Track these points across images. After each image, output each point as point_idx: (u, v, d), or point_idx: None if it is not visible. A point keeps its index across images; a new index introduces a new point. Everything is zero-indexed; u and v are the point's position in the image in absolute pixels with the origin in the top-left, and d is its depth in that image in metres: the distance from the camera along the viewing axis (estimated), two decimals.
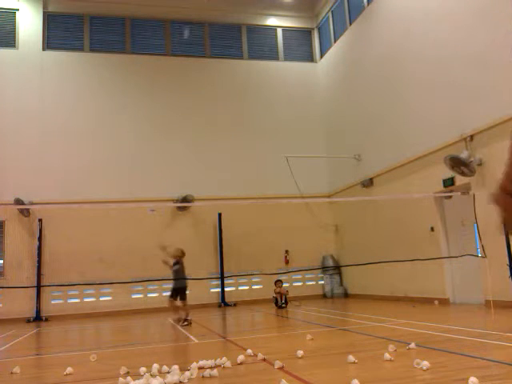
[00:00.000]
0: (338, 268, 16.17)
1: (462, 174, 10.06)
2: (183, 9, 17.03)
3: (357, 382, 3.83)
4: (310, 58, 18.20)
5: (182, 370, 4.78)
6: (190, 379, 4.57)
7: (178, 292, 10.10)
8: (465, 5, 10.44)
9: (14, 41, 15.58)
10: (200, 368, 4.94)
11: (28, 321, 13.48)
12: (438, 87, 11.28)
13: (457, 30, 10.67)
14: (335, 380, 4.26)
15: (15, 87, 15.19)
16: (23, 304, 13.82)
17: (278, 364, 4.85)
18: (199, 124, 16.43)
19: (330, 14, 17.27)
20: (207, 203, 14.56)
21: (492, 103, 9.62)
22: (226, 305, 15.09)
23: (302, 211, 16.11)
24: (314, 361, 5.18)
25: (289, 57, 17.97)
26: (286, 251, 16.22)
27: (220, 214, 15.50)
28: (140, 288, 14.83)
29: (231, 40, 17.63)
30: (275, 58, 17.83)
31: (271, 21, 18.01)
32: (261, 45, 17.86)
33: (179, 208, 15.27)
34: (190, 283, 13.66)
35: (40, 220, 14.27)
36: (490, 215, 9.23)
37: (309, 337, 6.65)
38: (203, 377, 4.63)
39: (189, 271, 13.00)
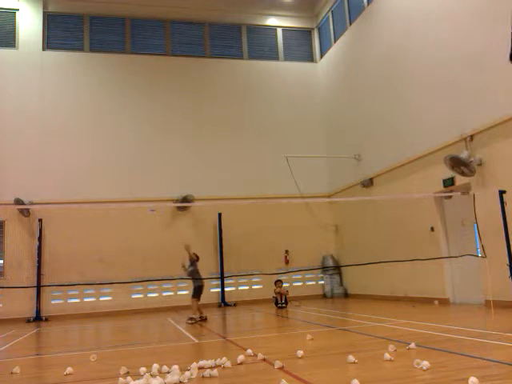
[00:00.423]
0: (337, 268, 16.17)
1: (462, 174, 10.06)
2: (183, 9, 17.04)
3: (357, 382, 3.83)
4: (310, 58, 18.21)
5: (182, 370, 4.78)
6: (190, 379, 4.57)
7: (200, 291, 10.81)
8: (464, 5, 10.44)
9: (14, 41, 15.58)
10: (200, 368, 4.94)
11: (28, 321, 13.49)
12: (437, 87, 11.28)
13: (456, 30, 10.67)
14: (335, 380, 4.26)
15: (15, 87, 15.19)
16: (23, 304, 13.82)
17: (277, 364, 4.85)
18: (199, 124, 16.43)
19: (329, 14, 17.28)
20: (207, 203, 14.57)
21: (492, 103, 9.62)
22: (226, 305, 15.09)
23: (302, 211, 16.12)
24: (314, 361, 5.18)
25: (289, 57, 17.97)
26: (286, 251, 16.22)
27: (220, 214, 15.50)
28: (140, 288, 14.83)
29: (231, 40, 17.63)
30: (275, 57, 17.83)
31: (271, 21, 18.01)
32: (261, 45, 17.86)
33: (179, 208, 15.27)
34: (189, 283, 13.70)
35: (40, 220, 14.27)
36: (490, 215, 9.25)
37: (309, 337, 6.65)
38: (203, 377, 4.63)
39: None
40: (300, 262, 16.04)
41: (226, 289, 15.38)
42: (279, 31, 18.07)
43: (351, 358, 4.85)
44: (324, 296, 16.27)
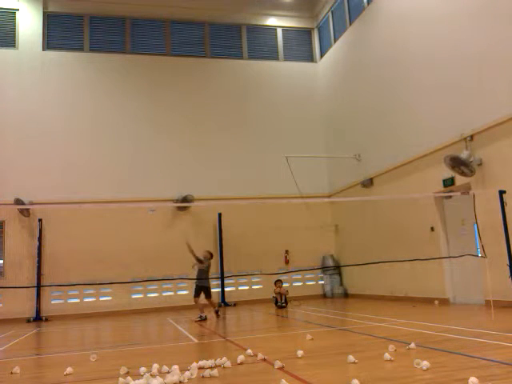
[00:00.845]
0: (337, 268, 16.17)
1: (462, 174, 10.06)
2: (183, 9, 17.03)
3: (357, 382, 3.83)
4: (310, 58, 18.21)
5: (182, 370, 4.78)
6: (189, 379, 4.57)
7: (201, 290, 10.96)
8: (464, 5, 10.44)
9: (14, 41, 15.58)
10: (200, 368, 4.94)
11: (28, 321, 13.49)
12: (437, 87, 11.28)
13: (456, 30, 10.67)
14: (335, 380, 4.26)
15: (15, 87, 15.19)
16: (23, 304, 13.83)
17: (277, 364, 4.85)
18: (199, 124, 16.43)
19: (329, 14, 17.28)
20: (207, 203, 14.58)
21: (492, 103, 9.62)
22: (226, 305, 15.09)
23: (301, 211, 16.12)
24: (314, 361, 5.18)
25: (289, 57, 17.97)
26: (286, 251, 16.22)
27: (220, 214, 15.51)
28: (140, 288, 14.84)
29: (231, 40, 17.63)
30: (275, 57, 17.83)
31: (271, 21, 18.01)
32: (261, 45, 17.86)
33: (179, 208, 15.27)
34: (189, 283, 13.70)
35: (40, 220, 14.27)
36: (490, 215, 9.25)
37: (309, 337, 6.65)
38: (203, 377, 4.63)
39: (189, 271, 13.03)
40: (300, 262, 16.04)
41: (226, 289, 15.38)
42: (279, 31, 18.07)
43: (351, 358, 4.85)
44: (324, 296, 16.27)
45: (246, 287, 15.85)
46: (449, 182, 10.91)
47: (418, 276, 12.05)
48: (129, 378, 4.51)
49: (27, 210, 14.18)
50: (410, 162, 12.28)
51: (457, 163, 9.98)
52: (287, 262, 16.17)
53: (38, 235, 14.24)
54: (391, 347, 5.31)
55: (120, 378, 4.47)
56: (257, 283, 15.85)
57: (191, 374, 4.64)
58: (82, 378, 5.05)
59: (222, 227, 15.55)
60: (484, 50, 9.83)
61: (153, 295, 15.12)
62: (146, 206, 14.23)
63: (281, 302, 12.88)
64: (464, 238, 10.94)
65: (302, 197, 15.86)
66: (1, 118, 14.87)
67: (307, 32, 18.36)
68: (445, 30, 11.05)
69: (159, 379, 4.40)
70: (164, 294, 15.20)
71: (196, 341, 7.64)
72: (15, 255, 14.13)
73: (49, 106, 15.36)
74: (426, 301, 11.56)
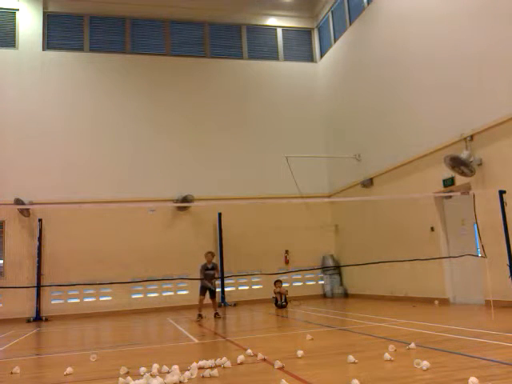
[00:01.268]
0: (337, 268, 16.17)
1: (462, 174, 10.06)
2: (183, 9, 17.03)
3: (357, 382, 3.83)
4: (310, 58, 18.20)
5: (182, 370, 4.78)
6: (190, 379, 4.57)
7: (207, 289, 11.17)
8: (464, 5, 10.44)
9: (14, 41, 15.58)
10: (200, 368, 4.94)
11: (28, 321, 13.48)
12: (437, 87, 11.28)
13: (456, 30, 10.67)
14: (335, 380, 4.26)
15: (15, 87, 15.19)
16: (23, 304, 13.82)
17: (277, 364, 4.85)
18: (199, 124, 16.43)
19: (329, 14, 17.28)
20: (207, 203, 14.57)
21: (492, 103, 9.62)
22: (226, 305, 15.09)
23: (302, 211, 16.12)
24: (314, 361, 5.18)
25: (289, 57, 17.97)
26: (286, 251, 16.22)
27: (220, 214, 15.50)
28: (140, 288, 14.83)
29: (231, 40, 17.63)
30: (275, 57, 17.83)
31: (271, 21, 18.01)
32: (261, 45, 17.86)
33: (179, 208, 15.27)
34: (189, 283, 13.70)
35: (40, 220, 14.27)
36: (490, 215, 9.25)
37: (309, 337, 6.65)
38: (203, 377, 4.63)
39: (189, 271, 13.08)
40: (300, 262, 16.04)
41: (226, 289, 15.37)
42: (279, 31, 18.06)
43: (351, 358, 4.85)
44: (324, 296, 16.27)
45: (246, 287, 15.85)
46: (449, 182, 10.91)
47: (418, 276, 12.05)
48: (129, 378, 4.51)
49: (27, 210, 14.18)
50: (410, 161, 12.28)
51: (457, 163, 9.98)
52: (287, 262, 16.17)
53: (38, 235, 14.23)
54: (391, 347, 5.31)
55: (120, 378, 4.47)
56: (257, 283, 15.85)
57: (191, 374, 4.64)
58: (82, 377, 5.05)
59: (222, 227, 15.55)
60: (484, 50, 9.83)
61: (153, 295, 15.12)
62: (146, 206, 14.23)
63: (281, 301, 12.88)
64: (464, 237, 10.94)
65: (302, 197, 15.86)
66: (1, 118, 14.87)
67: (307, 32, 18.36)
68: (445, 30, 11.05)
69: (159, 379, 4.40)
70: (164, 294, 15.20)
71: (196, 341, 7.64)
72: (15, 255, 14.12)
73: (49, 106, 15.36)
74: (426, 301, 11.56)
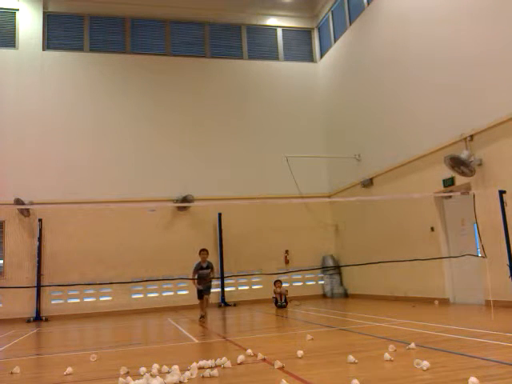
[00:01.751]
0: (338, 268, 16.17)
1: (462, 174, 10.06)
2: (183, 9, 17.04)
3: (357, 382, 3.83)
4: (310, 58, 18.20)
5: (182, 370, 4.78)
6: (189, 379, 4.57)
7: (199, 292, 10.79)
8: (464, 5, 10.44)
9: (14, 41, 15.58)
10: (200, 368, 4.94)
11: (28, 321, 13.48)
12: (437, 87, 11.28)
13: (456, 30, 10.67)
14: (335, 380, 4.26)
15: (15, 87, 15.19)
16: (23, 304, 13.82)
17: (277, 364, 4.85)
18: (199, 124, 16.43)
19: (330, 14, 17.27)
20: (207, 203, 14.57)
21: (492, 103, 9.62)
22: (226, 305, 15.09)
23: (301, 211, 16.12)
24: (314, 361, 5.18)
25: (289, 57, 17.97)
26: (286, 251, 16.22)
27: (220, 214, 15.50)
28: (140, 288, 14.83)
29: (231, 40, 17.62)
30: (275, 58, 17.83)
31: (271, 21, 18.01)
32: (261, 45, 17.86)
33: (179, 208, 15.27)
34: (189, 283, 13.69)
35: (40, 220, 14.27)
36: (490, 215, 9.25)
37: (309, 337, 6.65)
38: (203, 377, 4.63)
39: (189, 271, 13.01)
40: (300, 262, 16.04)
41: (226, 289, 15.37)
42: (279, 31, 18.06)
43: (351, 358, 4.85)
44: (324, 296, 16.27)
45: (246, 287, 15.85)
46: (449, 182, 10.91)
47: (417, 276, 12.04)
48: (129, 377, 4.51)
49: (27, 209, 14.17)
50: (410, 162, 12.27)
51: (457, 163, 9.98)
52: (287, 262, 16.17)
53: (38, 235, 14.23)
54: (391, 347, 5.31)
55: (120, 378, 4.47)
56: (257, 283, 15.85)
57: (191, 374, 4.64)
58: (81, 377, 5.05)
59: (222, 227, 15.55)
60: (484, 50, 9.83)
61: (153, 295, 15.11)
62: (146, 206, 14.23)
63: (281, 302, 12.88)
64: (464, 237, 10.94)
65: (302, 197, 15.86)
66: (1, 118, 14.87)
67: (307, 32, 18.36)
68: (445, 30, 11.05)
69: (159, 379, 4.40)
70: (164, 294, 15.20)
71: (196, 341, 7.64)
72: (15, 255, 14.13)
73: (49, 106, 15.36)
74: (425, 301, 11.56)
